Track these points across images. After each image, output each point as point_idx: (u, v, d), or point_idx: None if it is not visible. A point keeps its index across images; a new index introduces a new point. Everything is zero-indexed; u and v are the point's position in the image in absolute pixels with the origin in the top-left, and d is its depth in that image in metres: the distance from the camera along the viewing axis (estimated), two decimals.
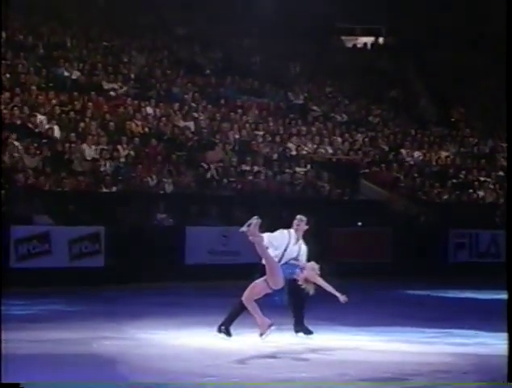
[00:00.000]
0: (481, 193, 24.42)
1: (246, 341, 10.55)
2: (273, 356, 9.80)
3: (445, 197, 23.96)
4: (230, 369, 8.99)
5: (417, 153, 25.92)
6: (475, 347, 10.66)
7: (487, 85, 29.03)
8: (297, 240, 10.79)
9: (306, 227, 10.84)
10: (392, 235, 21.23)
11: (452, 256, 21.94)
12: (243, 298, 10.52)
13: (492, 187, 24.62)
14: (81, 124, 21.04)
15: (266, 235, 10.54)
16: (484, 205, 23.90)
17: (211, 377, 8.57)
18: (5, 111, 20.19)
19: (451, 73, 30.16)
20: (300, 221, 10.82)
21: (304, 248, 10.85)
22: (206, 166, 21.46)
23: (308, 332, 10.92)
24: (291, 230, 10.80)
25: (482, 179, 25.06)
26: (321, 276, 10.68)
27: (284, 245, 10.68)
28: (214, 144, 22.37)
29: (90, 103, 22.10)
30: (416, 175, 24.67)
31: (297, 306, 10.93)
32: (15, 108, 20.43)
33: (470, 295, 17.24)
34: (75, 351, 9.90)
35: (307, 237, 10.96)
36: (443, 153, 26.31)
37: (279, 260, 10.60)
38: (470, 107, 29.59)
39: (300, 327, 10.94)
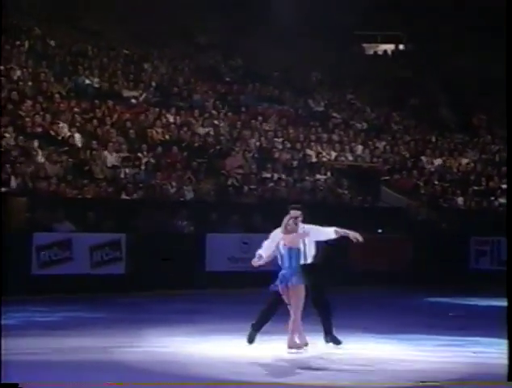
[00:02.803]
0: (502, 200, 24.25)
1: (268, 348, 10.48)
2: (296, 363, 9.75)
3: (466, 204, 23.82)
4: (250, 375, 8.96)
5: (437, 160, 25.81)
6: (496, 355, 10.54)
7: (509, 91, 28.82)
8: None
9: (300, 218, 10.72)
10: (413, 242, 21.11)
11: (474, 263, 21.79)
12: (295, 305, 10.28)
13: None
14: (102, 132, 21.11)
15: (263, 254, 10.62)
16: (506, 212, 23.70)
17: (231, 382, 8.55)
18: (27, 119, 20.29)
19: (472, 80, 30.01)
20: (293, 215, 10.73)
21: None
22: (226, 173, 21.46)
23: (337, 342, 10.77)
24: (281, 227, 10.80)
25: (503, 186, 24.88)
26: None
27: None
28: (234, 151, 22.36)
29: (111, 111, 22.17)
30: (437, 181, 24.55)
31: (324, 316, 10.81)
32: (37, 116, 20.53)
33: (492, 303, 17.08)
34: (96, 358, 9.89)
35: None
36: (464, 160, 26.18)
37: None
38: (491, 113, 29.43)
39: (330, 337, 10.81)
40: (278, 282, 10.37)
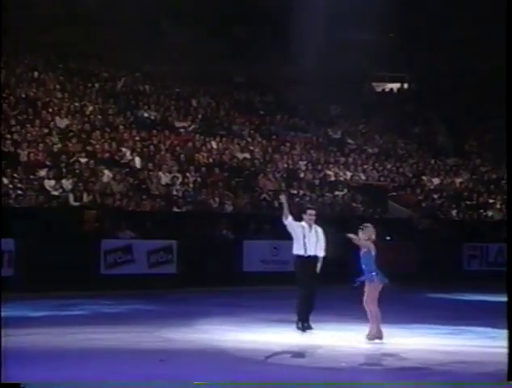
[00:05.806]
0: (490, 213, 24.11)
1: (292, 336, 10.52)
2: (315, 348, 9.78)
3: (459, 216, 23.71)
4: (284, 359, 9.00)
5: (436, 180, 25.71)
6: (485, 342, 10.51)
7: (495, 123, 28.71)
8: (310, 227, 10.93)
9: (315, 217, 11.02)
10: (416, 248, 21.04)
11: (466, 265, 21.69)
12: (366, 303, 10.17)
13: (499, 207, 24.30)
14: (158, 156, 21.30)
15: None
16: (493, 223, 23.58)
17: (265, 364, 8.60)
18: (97, 146, 20.55)
19: (465, 112, 29.89)
20: (310, 214, 11.03)
21: (319, 230, 11.02)
22: (260, 190, 21.54)
23: (310, 328, 10.70)
24: (303, 223, 10.97)
25: (491, 201, 24.75)
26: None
27: (301, 234, 10.82)
28: (266, 172, 22.45)
29: (165, 139, 22.38)
30: (435, 197, 24.46)
31: (308, 301, 10.77)
32: (105, 144, 20.77)
33: (481, 298, 16.99)
34: (151, 342, 9.97)
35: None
36: (458, 180, 26.05)
37: (305, 247, 10.76)
38: (481, 141, 29.28)
39: (307, 324, 10.73)
40: (377, 279, 10.26)
